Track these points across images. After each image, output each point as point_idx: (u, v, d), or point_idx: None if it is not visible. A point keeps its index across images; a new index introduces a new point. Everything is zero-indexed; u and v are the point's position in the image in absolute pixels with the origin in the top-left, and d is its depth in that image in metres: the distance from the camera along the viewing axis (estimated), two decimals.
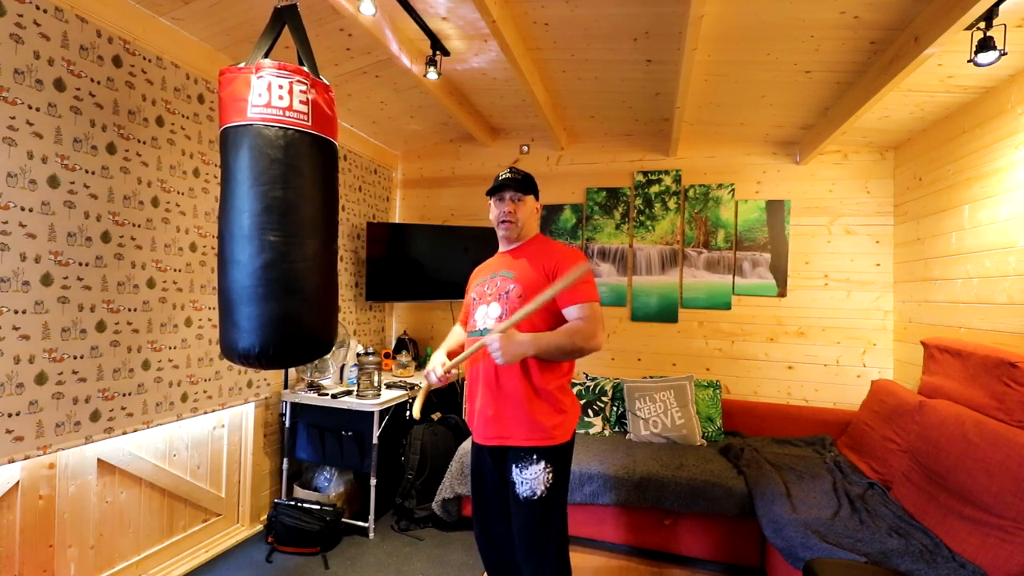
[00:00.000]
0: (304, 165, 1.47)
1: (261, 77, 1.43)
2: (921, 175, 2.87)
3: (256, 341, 1.41)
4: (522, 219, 1.72)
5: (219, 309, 1.50)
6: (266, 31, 1.55)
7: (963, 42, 1.91)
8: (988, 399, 2.04)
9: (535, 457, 1.59)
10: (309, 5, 2.09)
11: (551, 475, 1.59)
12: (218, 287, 1.49)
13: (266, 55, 1.52)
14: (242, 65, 1.46)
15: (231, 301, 1.43)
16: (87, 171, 1.89)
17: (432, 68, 2.52)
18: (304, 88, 1.48)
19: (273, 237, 1.42)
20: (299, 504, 2.65)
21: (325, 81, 1.55)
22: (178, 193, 2.26)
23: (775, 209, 3.32)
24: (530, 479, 1.58)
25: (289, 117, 1.44)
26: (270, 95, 1.43)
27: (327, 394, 2.81)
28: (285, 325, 1.44)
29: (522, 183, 1.72)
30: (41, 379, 1.76)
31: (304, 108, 1.47)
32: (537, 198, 1.79)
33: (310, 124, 1.48)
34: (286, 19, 1.57)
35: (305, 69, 1.51)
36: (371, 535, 2.76)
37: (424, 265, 3.69)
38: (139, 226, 2.09)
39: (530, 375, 1.60)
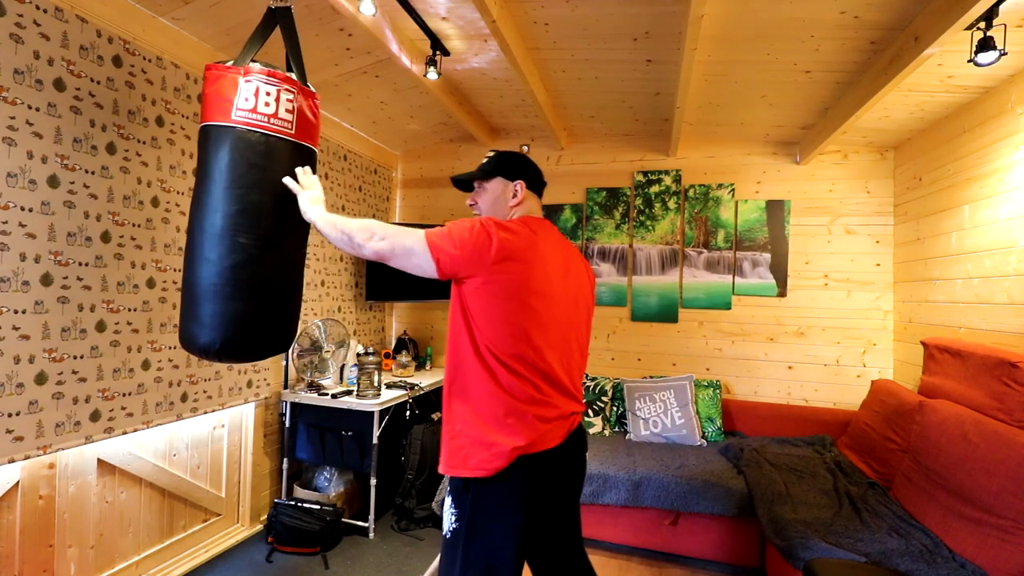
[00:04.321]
0: (283, 171, 1.47)
1: (249, 81, 1.42)
2: (921, 175, 2.87)
3: (217, 338, 1.43)
4: (484, 207, 1.54)
5: (182, 301, 1.50)
6: (257, 31, 1.54)
7: (963, 42, 1.91)
8: (988, 399, 2.04)
9: (448, 489, 1.41)
10: (309, 5, 2.09)
11: (454, 518, 1.34)
12: (183, 280, 1.49)
13: (255, 55, 1.50)
14: (230, 64, 1.44)
15: (196, 296, 1.45)
16: (87, 171, 1.89)
17: (432, 68, 2.51)
18: (291, 96, 1.48)
19: (244, 239, 1.42)
20: (299, 504, 2.64)
21: (311, 88, 1.56)
22: (178, 193, 2.25)
23: (775, 209, 3.32)
24: (445, 511, 1.40)
25: (273, 124, 1.44)
26: (257, 100, 1.42)
27: (327, 394, 2.81)
28: (248, 325, 1.46)
29: (483, 168, 1.51)
30: (41, 379, 1.76)
31: (289, 116, 1.47)
32: (511, 177, 1.50)
33: (293, 132, 1.48)
34: (279, 20, 1.55)
35: (293, 77, 1.51)
36: (371, 535, 2.76)
37: None
38: (139, 226, 2.09)
39: (462, 390, 1.37)
